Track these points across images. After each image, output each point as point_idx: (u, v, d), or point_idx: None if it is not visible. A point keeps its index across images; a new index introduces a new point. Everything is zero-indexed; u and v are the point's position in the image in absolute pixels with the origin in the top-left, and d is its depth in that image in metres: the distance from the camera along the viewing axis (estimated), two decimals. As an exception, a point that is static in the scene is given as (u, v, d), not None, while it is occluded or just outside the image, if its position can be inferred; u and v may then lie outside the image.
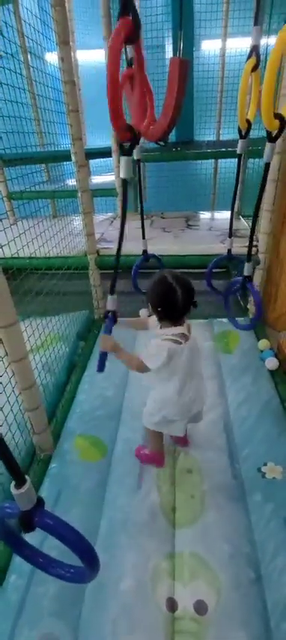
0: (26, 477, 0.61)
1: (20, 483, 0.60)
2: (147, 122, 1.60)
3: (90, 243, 2.40)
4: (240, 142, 1.69)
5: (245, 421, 1.62)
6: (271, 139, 1.24)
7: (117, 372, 2.01)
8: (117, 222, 3.23)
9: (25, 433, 1.46)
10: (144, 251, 2.09)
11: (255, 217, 1.61)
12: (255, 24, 1.44)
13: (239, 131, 1.63)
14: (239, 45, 3.77)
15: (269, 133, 1.22)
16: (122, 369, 2.03)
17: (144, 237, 2.06)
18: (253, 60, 1.43)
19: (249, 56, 1.44)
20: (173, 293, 1.12)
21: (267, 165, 1.38)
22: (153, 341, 1.23)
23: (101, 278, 2.58)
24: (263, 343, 2.10)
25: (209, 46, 4.20)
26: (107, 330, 1.36)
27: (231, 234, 1.91)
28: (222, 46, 3.85)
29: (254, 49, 1.43)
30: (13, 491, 0.60)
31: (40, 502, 0.63)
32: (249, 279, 1.64)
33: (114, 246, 2.56)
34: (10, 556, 1.19)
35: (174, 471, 1.44)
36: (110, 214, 3.67)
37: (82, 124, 4.57)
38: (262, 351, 2.07)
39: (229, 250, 1.93)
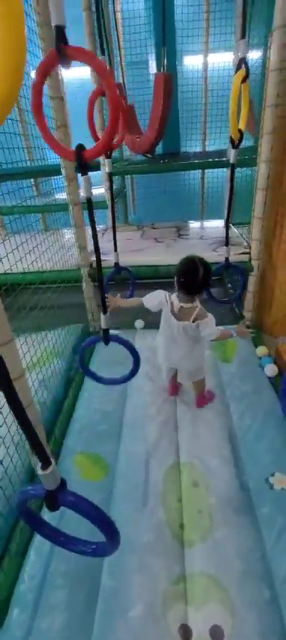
0: (51, 459, 0.64)
1: (46, 465, 0.63)
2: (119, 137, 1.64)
3: (83, 255, 2.36)
4: (233, 151, 1.69)
5: (249, 430, 1.59)
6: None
7: (116, 386, 1.96)
8: (110, 234, 3.22)
9: (24, 454, 1.40)
10: (116, 263, 2.08)
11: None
12: (242, 37, 1.47)
13: (232, 141, 1.63)
14: (221, 59, 3.92)
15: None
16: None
17: (115, 250, 2.06)
18: (242, 71, 1.45)
19: (238, 68, 1.46)
20: (177, 271, 1.43)
21: (232, 166, 1.73)
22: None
23: (95, 290, 2.55)
24: (261, 350, 2.09)
25: (192, 61, 4.30)
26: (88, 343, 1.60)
27: (228, 242, 1.91)
28: (204, 61, 3.98)
29: (243, 61, 1.45)
30: (40, 472, 0.63)
31: (63, 483, 0.66)
32: None
33: (108, 258, 2.53)
34: (12, 587, 1.12)
35: (180, 486, 1.39)
36: (101, 227, 3.65)
37: (69, 137, 4.63)
38: (260, 358, 2.06)
39: (226, 259, 1.92)
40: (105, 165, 1.76)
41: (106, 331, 1.40)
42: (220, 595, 1.05)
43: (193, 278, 1.39)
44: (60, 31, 0.78)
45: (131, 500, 1.34)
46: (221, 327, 1.52)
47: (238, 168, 3.18)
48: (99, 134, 1.46)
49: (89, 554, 0.79)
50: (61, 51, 0.78)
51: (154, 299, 1.54)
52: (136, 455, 1.51)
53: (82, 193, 2.35)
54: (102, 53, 1.66)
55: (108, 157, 1.74)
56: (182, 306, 1.47)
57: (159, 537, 1.22)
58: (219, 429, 1.62)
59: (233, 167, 1.76)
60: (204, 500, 1.32)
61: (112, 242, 2.26)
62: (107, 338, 1.41)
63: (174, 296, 1.51)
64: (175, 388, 1.86)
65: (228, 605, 1.03)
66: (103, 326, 1.39)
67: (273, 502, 1.29)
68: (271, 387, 1.85)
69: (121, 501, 1.35)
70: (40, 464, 0.64)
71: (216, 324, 1.48)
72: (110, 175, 1.84)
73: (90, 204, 1.08)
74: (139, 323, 2.61)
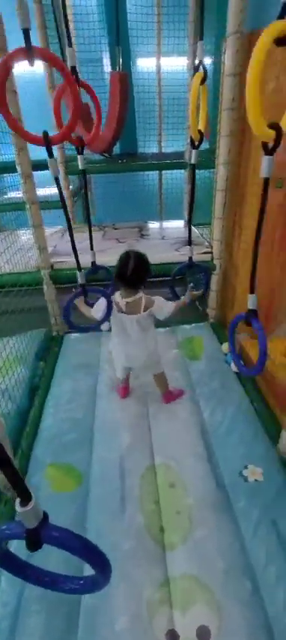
0: (31, 492, 0.56)
1: (26, 501, 0.55)
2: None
3: (44, 257, 2.25)
4: (193, 152, 1.70)
5: (220, 425, 1.63)
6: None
7: (84, 391, 1.90)
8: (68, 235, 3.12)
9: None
10: (93, 262, 2.00)
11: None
12: (200, 39, 1.48)
13: (192, 141, 1.64)
14: (174, 63, 4.00)
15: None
16: (89, 387, 1.92)
17: (92, 249, 1.96)
18: (200, 74, 1.47)
19: (196, 70, 1.47)
20: (115, 269, 1.48)
21: (193, 166, 1.69)
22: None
23: (57, 293, 2.44)
24: (226, 346, 2.16)
25: (146, 63, 4.33)
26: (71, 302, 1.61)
27: (190, 242, 1.93)
28: (157, 64, 4.02)
29: (201, 63, 1.46)
30: (19, 509, 0.55)
31: (45, 516, 0.58)
32: (254, 313, 1.14)
33: (68, 260, 2.44)
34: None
35: (156, 487, 1.37)
36: (60, 227, 3.52)
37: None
38: (226, 354, 2.12)
39: (190, 258, 1.94)
40: (78, 161, 1.65)
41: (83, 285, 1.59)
42: (204, 595, 1.05)
43: (129, 270, 1.43)
44: (26, 33, 0.93)
45: (108, 509, 1.29)
46: (172, 303, 1.60)
47: (196, 170, 3.27)
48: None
49: (80, 591, 0.72)
50: (30, 50, 0.94)
51: (100, 307, 1.54)
52: (110, 461, 1.47)
53: (40, 192, 2.22)
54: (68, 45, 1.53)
55: (80, 152, 1.64)
56: (127, 301, 1.51)
57: (139, 543, 1.19)
58: (192, 427, 1.63)
59: (194, 167, 1.77)
60: (181, 501, 1.31)
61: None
62: (86, 291, 1.60)
63: (116, 295, 1.54)
64: (126, 389, 1.87)
65: (213, 604, 1.03)
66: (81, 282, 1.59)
67: (248, 495, 1.32)
68: (238, 382, 1.91)
69: (98, 511, 1.29)
70: (18, 500, 0.55)
71: (181, 323, 1.53)
72: (83, 172, 1.72)
73: (58, 183, 1.33)
74: (105, 325, 2.55)
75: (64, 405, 1.79)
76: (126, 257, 1.46)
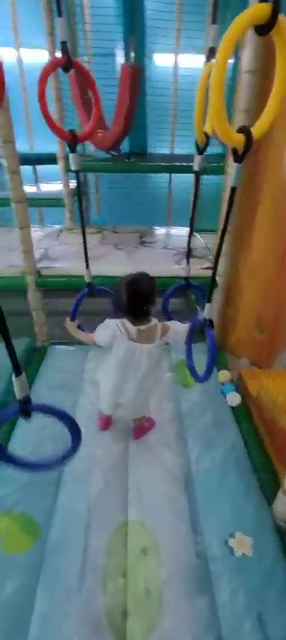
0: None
1: (18, 373, 0.81)
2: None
3: (28, 261, 2.06)
4: (197, 157, 1.47)
5: (208, 475, 1.40)
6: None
7: (56, 421, 1.68)
8: (64, 236, 2.93)
9: None
10: (89, 284, 1.61)
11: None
12: (212, 22, 1.26)
13: (197, 146, 1.41)
14: (192, 61, 3.78)
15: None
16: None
17: (87, 267, 1.58)
18: (212, 64, 1.24)
19: (207, 59, 1.25)
20: (124, 294, 1.25)
21: (197, 173, 1.49)
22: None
23: (44, 298, 2.25)
24: (224, 375, 1.92)
25: (162, 60, 4.12)
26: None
27: (189, 259, 1.70)
28: (175, 60, 3.82)
29: (212, 52, 1.24)
30: (15, 379, 0.81)
31: (29, 397, 0.83)
32: (210, 323, 1.22)
33: (59, 265, 2.25)
34: None
35: (125, 554, 1.15)
36: (57, 227, 3.34)
37: (29, 127, 4.25)
38: (223, 384, 1.89)
39: (186, 278, 1.69)
40: (71, 160, 1.40)
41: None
42: None
43: (143, 301, 1.26)
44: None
45: (62, 585, 1.07)
46: (186, 325, 1.35)
47: (208, 177, 3.04)
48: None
49: (54, 464, 0.98)
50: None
51: (105, 332, 1.31)
52: (75, 514, 1.25)
53: (27, 188, 2.00)
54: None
55: (73, 150, 1.38)
56: (139, 329, 1.27)
57: (96, 635, 0.97)
58: (175, 474, 1.42)
59: (197, 175, 1.54)
60: (153, 576, 1.09)
61: (67, 246, 1.96)
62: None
63: (125, 322, 1.28)
64: (109, 422, 1.66)
65: None
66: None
67: (233, 574, 1.09)
68: (233, 420, 1.68)
69: (49, 586, 1.07)
70: (14, 373, 0.80)
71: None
72: (77, 173, 1.42)
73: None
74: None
75: (35, 432, 1.58)
76: (136, 285, 1.25)
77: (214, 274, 1.18)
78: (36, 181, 4.37)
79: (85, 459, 1.46)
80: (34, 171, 4.36)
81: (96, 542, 1.17)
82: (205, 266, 2.26)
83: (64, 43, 1.13)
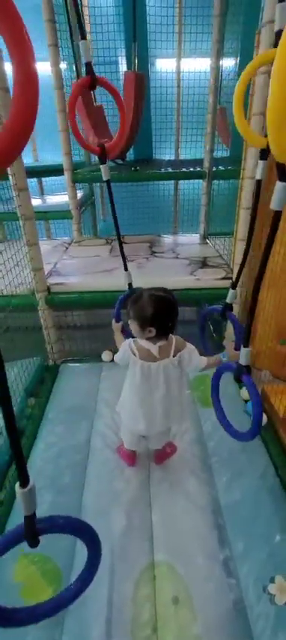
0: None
1: (25, 483, 0.61)
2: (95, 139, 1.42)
3: (39, 279, 1.98)
4: (260, 163, 1.27)
5: (239, 508, 1.29)
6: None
7: (75, 443, 1.60)
8: (73, 249, 2.85)
9: None
10: (129, 284, 1.67)
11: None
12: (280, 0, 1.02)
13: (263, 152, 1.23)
14: (195, 65, 3.72)
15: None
16: (81, 438, 1.63)
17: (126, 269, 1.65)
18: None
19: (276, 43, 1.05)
20: (149, 308, 1.15)
21: (259, 182, 1.32)
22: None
23: (55, 311, 2.18)
24: (247, 392, 1.82)
25: (165, 65, 4.07)
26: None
27: (235, 286, 1.57)
28: (177, 65, 3.77)
29: (278, 34, 1.04)
30: (19, 490, 0.61)
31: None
32: (247, 369, 1.03)
33: (69, 281, 2.17)
34: None
35: (154, 603, 1.05)
36: (66, 239, 3.27)
37: (32, 140, 4.22)
38: (246, 402, 1.79)
39: (226, 304, 1.57)
40: (102, 171, 1.41)
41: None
42: None
43: (173, 318, 1.18)
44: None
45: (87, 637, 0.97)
46: (205, 358, 1.24)
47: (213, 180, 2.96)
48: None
49: (73, 595, 0.75)
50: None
51: (120, 352, 1.26)
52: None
53: (33, 202, 1.92)
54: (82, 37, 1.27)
55: (103, 162, 1.39)
56: (160, 345, 1.19)
57: None
58: (202, 507, 1.30)
59: (259, 183, 1.33)
60: (186, 629, 0.98)
61: (77, 259, 1.91)
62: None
63: (142, 342, 1.20)
64: (135, 457, 1.51)
65: None
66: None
67: (274, 626, 0.97)
68: (260, 443, 1.57)
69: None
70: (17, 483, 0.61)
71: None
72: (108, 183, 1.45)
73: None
74: (107, 355, 2.26)
75: (50, 462, 1.50)
76: (163, 299, 1.17)
77: (252, 313, 0.98)
78: (42, 193, 4.32)
79: (105, 493, 1.37)
80: (39, 182, 4.32)
81: (122, 589, 1.07)
82: (221, 276, 2.17)
83: (88, 64, 1.17)
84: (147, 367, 1.19)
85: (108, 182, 1.41)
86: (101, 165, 1.37)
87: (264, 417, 1.66)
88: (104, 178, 1.40)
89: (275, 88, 0.48)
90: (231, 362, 1.12)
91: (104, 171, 1.39)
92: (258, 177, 1.29)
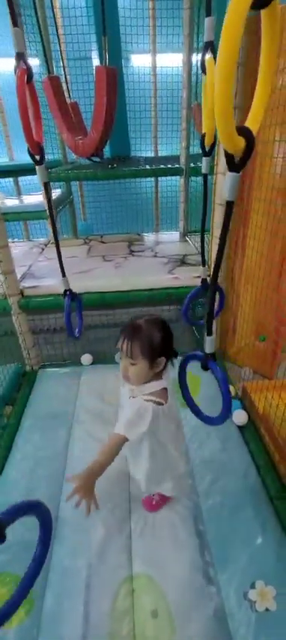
0: None
1: None
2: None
3: (10, 283, 1.90)
4: (204, 160, 1.30)
5: (220, 512, 1.26)
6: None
7: (53, 453, 1.54)
8: (49, 251, 2.77)
9: None
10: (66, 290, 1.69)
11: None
12: (207, 15, 1.14)
13: (203, 147, 1.26)
14: (169, 61, 3.70)
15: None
16: (59, 448, 1.57)
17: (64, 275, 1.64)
18: (211, 59, 1.13)
19: (204, 54, 1.13)
20: (158, 335, 1.03)
21: (205, 176, 1.34)
22: (134, 402, 1.04)
23: (31, 315, 2.11)
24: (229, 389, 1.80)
25: (139, 61, 4.02)
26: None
27: (204, 262, 1.55)
28: (153, 60, 3.73)
29: (210, 45, 1.12)
30: None
31: None
32: (212, 357, 0.94)
33: (43, 284, 2.09)
34: None
35: (132, 618, 1.01)
36: (42, 240, 3.18)
37: (7, 137, 4.07)
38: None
39: (204, 280, 1.56)
40: (37, 172, 1.34)
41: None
42: None
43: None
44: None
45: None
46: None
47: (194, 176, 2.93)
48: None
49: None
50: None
51: (146, 421, 1.00)
52: (74, 573, 1.10)
53: (9, 202, 1.84)
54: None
55: (39, 162, 1.29)
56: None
57: None
58: (182, 512, 1.27)
59: (206, 177, 1.35)
60: (166, 643, 0.95)
61: (52, 261, 1.89)
62: None
63: (150, 386, 1.06)
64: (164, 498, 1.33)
65: None
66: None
67: (256, 634, 0.95)
68: (242, 442, 1.55)
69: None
70: None
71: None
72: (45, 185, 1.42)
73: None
74: (86, 358, 2.20)
75: (26, 473, 1.43)
76: (165, 322, 1.09)
77: (212, 306, 0.91)
78: (19, 193, 4.19)
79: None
80: (16, 183, 4.18)
81: (98, 606, 1.02)
82: (198, 274, 2.14)
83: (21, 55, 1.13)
84: (171, 408, 1.08)
85: (45, 185, 1.39)
86: (37, 167, 1.31)
87: (244, 415, 1.65)
88: (43, 180, 1.36)
89: (219, 81, 0.50)
90: (197, 352, 1.01)
91: (39, 174, 1.34)
92: (204, 171, 1.33)
